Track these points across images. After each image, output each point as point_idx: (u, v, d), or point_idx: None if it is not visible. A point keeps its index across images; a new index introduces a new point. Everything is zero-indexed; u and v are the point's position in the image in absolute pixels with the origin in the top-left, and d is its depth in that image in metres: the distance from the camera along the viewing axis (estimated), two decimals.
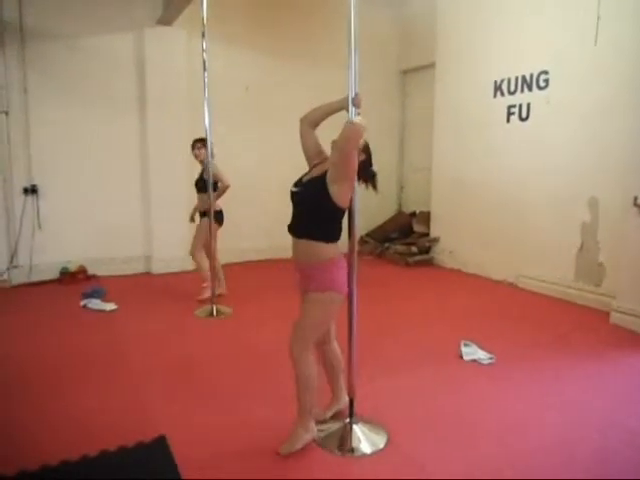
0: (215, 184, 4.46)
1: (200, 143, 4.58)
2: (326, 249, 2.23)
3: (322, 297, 2.23)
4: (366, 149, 2.33)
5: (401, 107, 7.55)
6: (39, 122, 5.34)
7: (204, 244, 4.68)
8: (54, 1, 5.27)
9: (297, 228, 2.31)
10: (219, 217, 4.69)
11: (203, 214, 4.71)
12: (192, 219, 4.95)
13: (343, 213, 2.26)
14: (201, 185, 4.62)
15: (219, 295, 4.63)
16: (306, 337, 2.26)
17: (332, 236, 2.25)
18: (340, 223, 2.28)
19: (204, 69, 4.27)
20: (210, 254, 4.54)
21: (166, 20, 5.55)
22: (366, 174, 2.35)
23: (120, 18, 5.58)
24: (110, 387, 2.95)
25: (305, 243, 2.26)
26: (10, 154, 5.25)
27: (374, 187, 2.39)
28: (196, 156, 4.65)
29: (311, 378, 2.27)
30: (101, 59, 5.57)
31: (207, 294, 4.59)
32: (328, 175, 2.17)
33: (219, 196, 4.62)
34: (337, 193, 2.16)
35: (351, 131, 2.10)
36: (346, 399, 2.51)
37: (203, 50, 4.25)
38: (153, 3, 5.55)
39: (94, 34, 5.51)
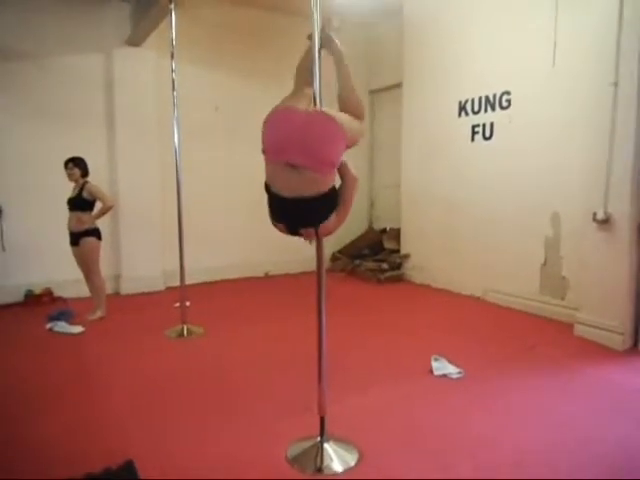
0: (93, 203, 4.67)
1: (72, 163, 4.62)
2: None
3: None
4: None
5: (370, 125, 7.68)
6: (4, 142, 5.26)
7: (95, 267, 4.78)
8: (22, 21, 5.24)
9: None
10: (98, 234, 4.74)
11: (79, 235, 4.65)
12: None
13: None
14: (75, 203, 4.64)
15: (100, 319, 4.75)
16: None
17: None
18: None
19: (173, 89, 4.29)
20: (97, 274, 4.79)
21: (135, 41, 5.57)
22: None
23: (89, 38, 5.58)
24: (77, 412, 2.87)
25: None
26: None
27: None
28: (69, 176, 4.65)
29: None
30: (69, 79, 5.54)
31: (100, 313, 4.78)
32: None
33: (99, 216, 4.69)
34: None
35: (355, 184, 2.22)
36: None
37: (172, 71, 4.28)
38: (122, 24, 5.56)
39: (62, 54, 5.49)
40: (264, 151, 2.11)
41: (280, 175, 2.05)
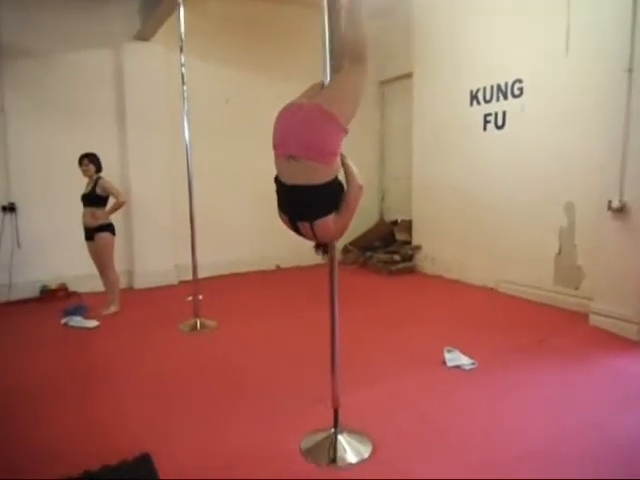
0: (106, 198, 4.71)
1: (87, 159, 4.64)
2: None
3: None
4: None
5: (380, 117, 7.63)
6: (17, 140, 5.31)
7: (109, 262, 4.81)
8: (31, 19, 5.26)
9: None
10: (112, 229, 4.77)
11: (93, 230, 4.68)
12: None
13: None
14: (89, 198, 4.68)
15: (114, 313, 4.78)
16: None
17: None
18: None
19: (183, 83, 4.29)
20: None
21: (143, 36, 5.57)
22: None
23: (97, 34, 5.59)
24: (92, 406, 2.92)
25: None
26: None
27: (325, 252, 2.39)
28: (84, 172, 4.67)
29: None
30: (79, 75, 5.57)
31: (114, 308, 4.81)
32: None
33: (113, 212, 4.73)
34: None
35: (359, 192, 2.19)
36: None
37: (182, 65, 4.28)
38: (130, 19, 5.56)
39: (71, 50, 5.51)
40: (274, 146, 2.14)
41: (285, 167, 2.11)
